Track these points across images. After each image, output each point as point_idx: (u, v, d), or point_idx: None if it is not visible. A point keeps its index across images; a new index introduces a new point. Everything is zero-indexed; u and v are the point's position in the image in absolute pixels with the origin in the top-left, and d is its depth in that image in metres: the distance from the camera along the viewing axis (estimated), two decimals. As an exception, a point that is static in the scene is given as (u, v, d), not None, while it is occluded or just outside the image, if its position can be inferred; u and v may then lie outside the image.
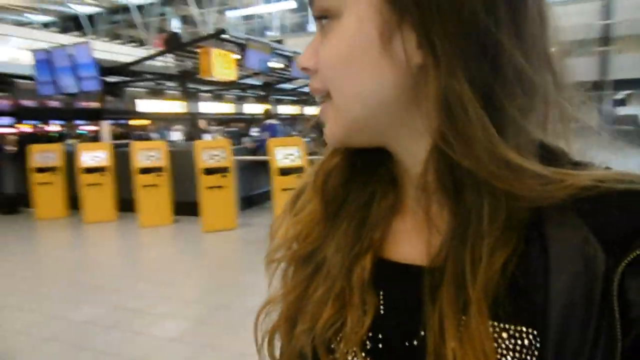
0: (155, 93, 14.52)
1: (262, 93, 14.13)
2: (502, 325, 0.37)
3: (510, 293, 0.37)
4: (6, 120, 12.85)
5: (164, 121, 15.93)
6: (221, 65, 8.09)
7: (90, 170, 7.38)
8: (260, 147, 7.67)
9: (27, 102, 13.17)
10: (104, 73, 8.42)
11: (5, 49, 15.21)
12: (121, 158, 7.31)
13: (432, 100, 0.37)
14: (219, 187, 6.45)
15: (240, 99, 17.89)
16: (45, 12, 24.87)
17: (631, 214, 0.34)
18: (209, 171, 6.42)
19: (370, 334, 0.44)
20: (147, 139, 11.94)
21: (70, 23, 26.11)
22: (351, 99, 0.41)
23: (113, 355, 3.14)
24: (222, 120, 17.93)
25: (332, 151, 0.49)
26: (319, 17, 0.41)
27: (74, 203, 7.62)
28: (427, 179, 0.41)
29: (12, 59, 13.88)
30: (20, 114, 13.13)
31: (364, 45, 0.39)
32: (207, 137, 10.45)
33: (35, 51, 8.88)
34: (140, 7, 26.42)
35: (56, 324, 3.66)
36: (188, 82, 9.82)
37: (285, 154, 6.18)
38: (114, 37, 25.50)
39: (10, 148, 9.67)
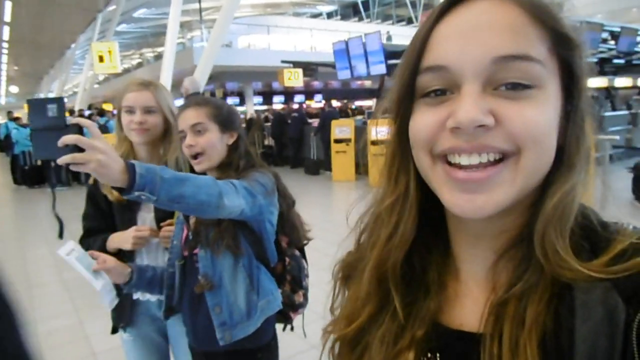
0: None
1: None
2: None
3: (543, 346, 0.40)
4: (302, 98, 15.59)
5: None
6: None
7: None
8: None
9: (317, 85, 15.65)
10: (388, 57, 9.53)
11: (306, 40, 18.63)
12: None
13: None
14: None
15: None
16: (330, 2, 28.75)
17: None
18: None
19: None
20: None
21: (349, 10, 29.51)
22: (545, 163, 0.43)
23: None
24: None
25: (399, 242, 0.51)
26: (516, 84, 0.41)
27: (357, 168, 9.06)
28: (502, 244, 0.47)
29: (311, 48, 16.89)
30: (325, 93, 15.75)
31: (556, 115, 0.44)
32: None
33: (334, 43, 10.72)
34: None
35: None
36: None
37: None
38: (385, 18, 27.68)
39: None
